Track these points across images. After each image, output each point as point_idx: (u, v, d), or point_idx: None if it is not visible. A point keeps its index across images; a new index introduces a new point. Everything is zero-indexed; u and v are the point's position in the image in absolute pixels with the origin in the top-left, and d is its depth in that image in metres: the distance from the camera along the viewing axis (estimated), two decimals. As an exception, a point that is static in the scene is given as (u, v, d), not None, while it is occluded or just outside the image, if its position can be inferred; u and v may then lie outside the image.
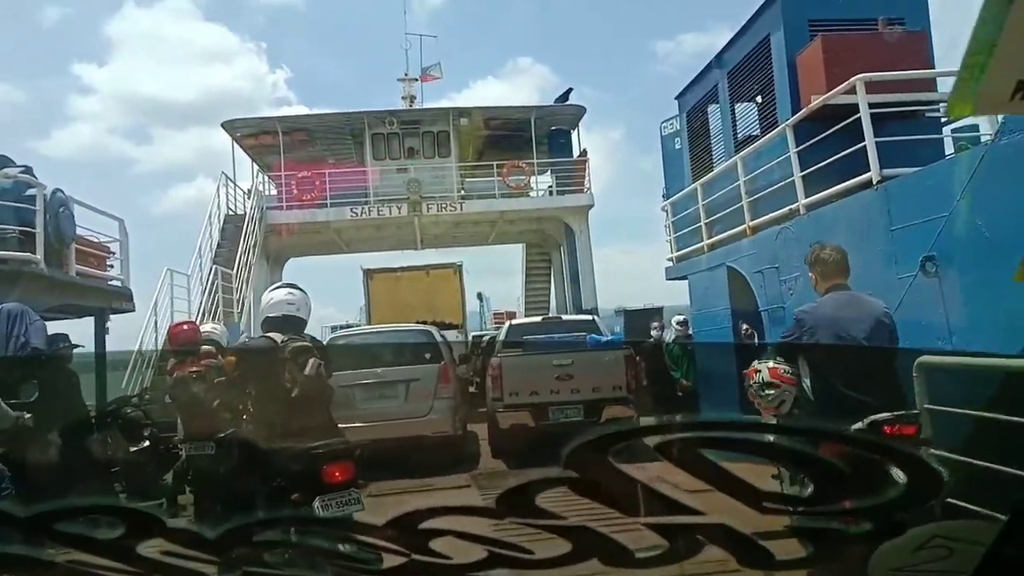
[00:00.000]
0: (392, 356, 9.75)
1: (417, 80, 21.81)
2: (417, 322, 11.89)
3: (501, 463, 9.40)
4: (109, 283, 10.28)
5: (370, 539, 0.92)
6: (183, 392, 5.33)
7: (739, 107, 9.43)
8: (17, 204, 7.96)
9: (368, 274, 19.77)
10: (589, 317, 12.81)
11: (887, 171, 6.06)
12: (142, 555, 0.90)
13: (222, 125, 18.88)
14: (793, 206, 7.38)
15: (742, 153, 8.61)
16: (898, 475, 0.80)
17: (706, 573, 1.19)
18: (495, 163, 19.04)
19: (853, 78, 6.25)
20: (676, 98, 11.18)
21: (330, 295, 64.42)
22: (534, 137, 18.99)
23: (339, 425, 4.41)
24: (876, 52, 7.02)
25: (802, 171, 7.18)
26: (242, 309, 15.22)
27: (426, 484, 7.86)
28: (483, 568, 0.92)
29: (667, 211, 11.33)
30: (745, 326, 8.56)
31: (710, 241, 9.62)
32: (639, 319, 13.28)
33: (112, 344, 10.91)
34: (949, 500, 2.53)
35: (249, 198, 18.56)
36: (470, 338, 18.77)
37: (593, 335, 10.25)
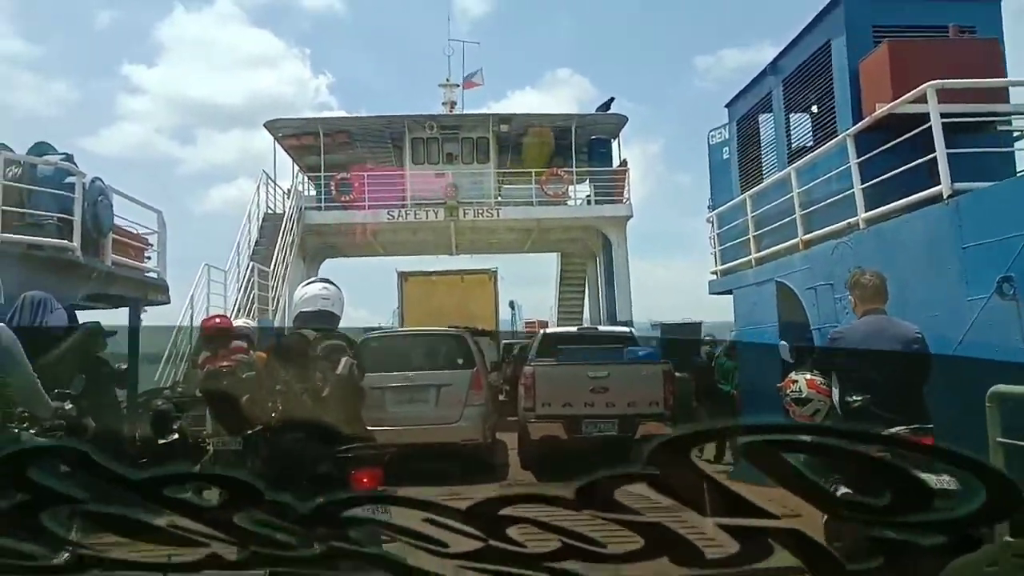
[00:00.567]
0: (424, 359, 9.58)
1: (459, 86, 21.75)
2: (450, 327, 11.71)
3: (531, 475, 9.15)
4: (146, 274, 10.28)
5: (450, 522, 0.94)
6: (213, 386, 5.32)
7: (794, 116, 9.07)
8: (56, 191, 7.95)
9: (403, 277, 19.76)
10: (626, 329, 12.52)
11: (958, 185, 5.69)
12: (237, 524, 0.94)
13: (264, 125, 19.00)
14: (852, 220, 7.00)
15: (796, 164, 8.25)
16: (976, 489, 0.77)
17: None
18: (533, 171, 18.83)
19: (924, 85, 5.89)
20: (726, 106, 10.85)
21: (363, 297, 64.82)
22: (574, 145, 18.74)
23: (368, 427, 4.24)
24: (946, 60, 6.64)
25: (863, 183, 6.82)
26: (277, 306, 15.24)
27: (453, 492, 7.62)
28: (556, 559, 0.93)
29: (712, 222, 10.98)
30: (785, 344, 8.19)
31: (759, 255, 9.25)
32: (676, 333, 12.99)
33: (146, 336, 10.92)
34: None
35: (288, 197, 18.64)
36: (501, 345, 18.60)
37: (632, 348, 9.96)
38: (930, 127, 5.86)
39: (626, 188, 18.86)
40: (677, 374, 9.72)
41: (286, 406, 4.03)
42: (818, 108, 8.43)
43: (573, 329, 12.97)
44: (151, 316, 10.74)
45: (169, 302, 10.79)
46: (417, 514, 0.96)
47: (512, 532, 0.93)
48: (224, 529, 0.95)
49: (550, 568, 0.94)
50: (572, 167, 18.92)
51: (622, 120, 19.71)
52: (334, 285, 4.19)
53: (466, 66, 21.91)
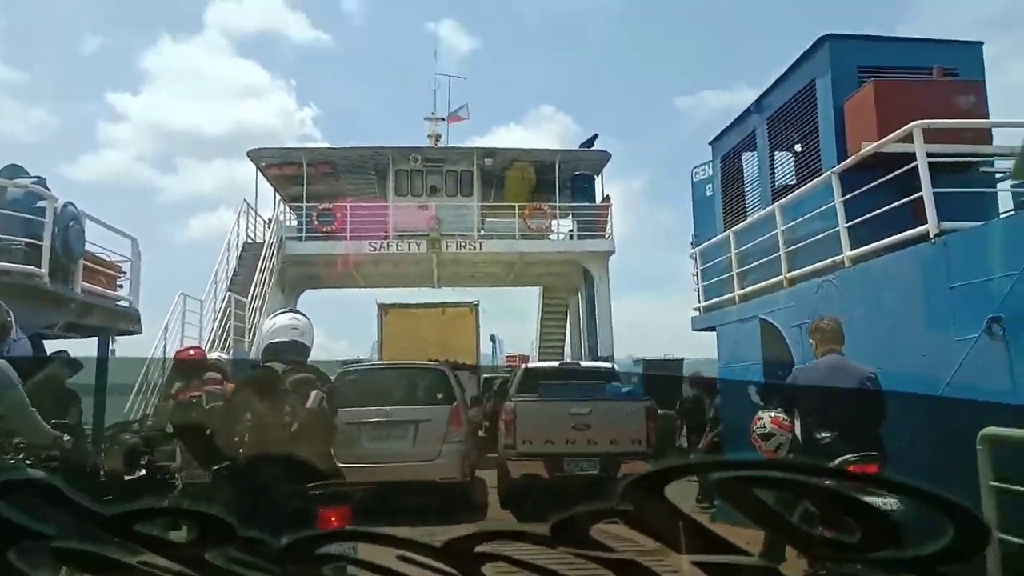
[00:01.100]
0: (403, 394, 9.35)
1: (444, 120, 21.84)
2: (430, 360, 11.50)
3: (510, 514, 8.89)
4: (117, 303, 10.00)
5: (425, 559, 0.93)
6: (182, 418, 5.20)
7: (778, 154, 9.09)
8: (26, 215, 7.71)
9: (383, 309, 19.53)
10: (608, 365, 12.38)
11: (945, 224, 5.65)
12: (210, 561, 0.93)
13: (248, 154, 18.87)
14: (837, 258, 6.95)
15: (781, 201, 8.23)
16: (946, 526, 0.78)
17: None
18: (516, 204, 18.84)
19: (910, 124, 5.89)
20: (710, 143, 10.87)
21: (343, 329, 64.30)
22: (558, 180, 18.80)
23: (342, 464, 4.08)
24: (931, 100, 6.68)
25: (848, 222, 6.78)
26: (253, 337, 14.95)
27: (430, 532, 7.35)
28: None
29: (695, 258, 10.93)
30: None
31: (742, 292, 9.18)
32: (658, 369, 12.89)
33: (115, 368, 10.61)
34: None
35: (269, 227, 18.46)
36: (482, 379, 18.36)
37: (614, 384, 9.81)
38: (915, 166, 5.85)
39: (609, 223, 18.93)
40: (660, 411, 9.58)
41: (254, 440, 3.86)
42: (803, 146, 8.45)
43: (555, 364, 12.76)
44: (122, 346, 10.46)
45: (141, 332, 10.50)
46: (392, 551, 0.95)
47: (487, 570, 0.93)
48: (195, 566, 0.94)
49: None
50: (555, 202, 18.96)
51: (605, 156, 19.82)
52: (304, 316, 4.04)
53: (452, 100, 22.06)
